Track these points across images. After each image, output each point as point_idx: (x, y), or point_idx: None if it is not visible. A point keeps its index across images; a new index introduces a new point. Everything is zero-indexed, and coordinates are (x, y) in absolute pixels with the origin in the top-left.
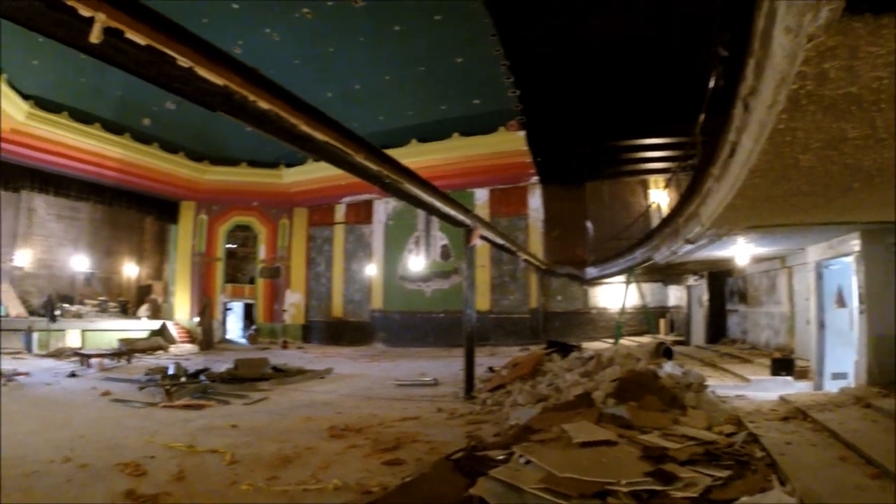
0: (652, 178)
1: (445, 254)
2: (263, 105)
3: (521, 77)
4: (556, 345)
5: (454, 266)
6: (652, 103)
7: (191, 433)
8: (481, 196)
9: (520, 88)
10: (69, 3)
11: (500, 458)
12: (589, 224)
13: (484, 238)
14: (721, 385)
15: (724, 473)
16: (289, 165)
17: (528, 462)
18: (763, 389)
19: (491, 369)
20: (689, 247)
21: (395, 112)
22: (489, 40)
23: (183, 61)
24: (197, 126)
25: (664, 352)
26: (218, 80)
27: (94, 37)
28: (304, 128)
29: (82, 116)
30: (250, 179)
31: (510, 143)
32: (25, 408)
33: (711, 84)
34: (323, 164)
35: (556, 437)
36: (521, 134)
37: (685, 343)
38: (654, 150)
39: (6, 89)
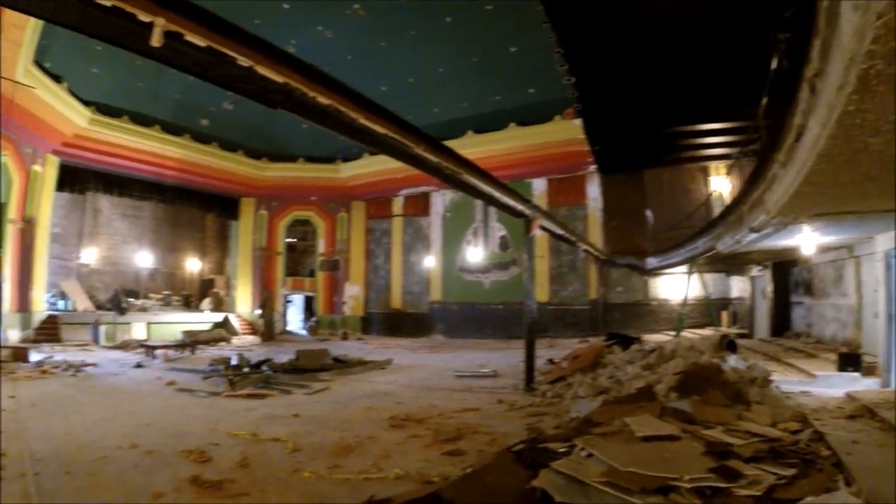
0: (713, 165)
1: (504, 245)
2: (323, 100)
3: (575, 64)
4: (616, 336)
5: (512, 257)
6: (711, 86)
7: (254, 422)
8: (539, 186)
9: (575, 76)
10: (129, 9)
11: (562, 450)
12: (648, 213)
13: (543, 228)
14: (785, 380)
15: (789, 472)
16: (345, 160)
17: (589, 455)
18: (829, 385)
19: (551, 361)
20: (753, 236)
21: (449, 104)
22: (542, 28)
23: (243, 61)
24: (255, 124)
25: (728, 345)
26: (278, 78)
27: (155, 41)
28: (364, 121)
29: (142, 119)
30: (308, 174)
31: (567, 131)
32: (94, 397)
33: (774, 65)
34: (380, 158)
35: (618, 430)
36: (578, 122)
37: (748, 336)
38: (715, 135)
39: (68, 97)
